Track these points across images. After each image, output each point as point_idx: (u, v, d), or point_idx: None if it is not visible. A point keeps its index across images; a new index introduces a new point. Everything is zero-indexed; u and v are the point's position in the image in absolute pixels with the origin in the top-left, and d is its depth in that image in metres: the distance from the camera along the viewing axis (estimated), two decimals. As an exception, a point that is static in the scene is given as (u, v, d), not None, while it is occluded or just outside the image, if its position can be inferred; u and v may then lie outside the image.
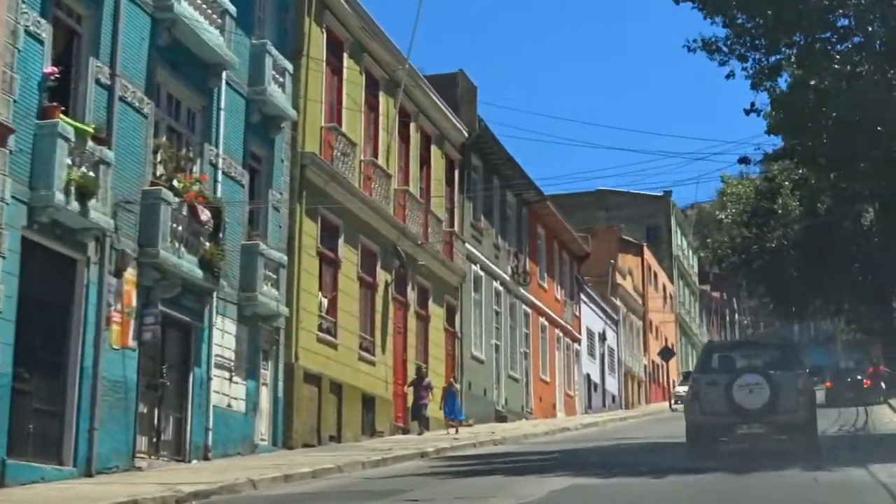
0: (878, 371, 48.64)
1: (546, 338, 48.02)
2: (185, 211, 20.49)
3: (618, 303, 62.99)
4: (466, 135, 38.43)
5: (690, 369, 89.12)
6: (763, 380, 18.39)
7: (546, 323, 48.03)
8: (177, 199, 20.16)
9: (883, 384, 47.74)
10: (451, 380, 32.06)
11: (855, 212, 54.13)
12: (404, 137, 33.80)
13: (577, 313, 54.26)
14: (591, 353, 56.73)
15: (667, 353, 58.25)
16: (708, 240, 54.71)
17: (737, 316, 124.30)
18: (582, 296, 55.17)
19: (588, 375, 55.32)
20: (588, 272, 60.09)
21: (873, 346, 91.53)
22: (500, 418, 39.86)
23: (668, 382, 75.51)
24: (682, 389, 70.39)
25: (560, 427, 34.85)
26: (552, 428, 34.36)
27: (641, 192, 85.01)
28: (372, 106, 31.35)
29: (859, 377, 49.43)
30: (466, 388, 37.20)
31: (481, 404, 38.71)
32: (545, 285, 48.46)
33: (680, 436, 25.66)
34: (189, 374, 21.24)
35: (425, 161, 35.56)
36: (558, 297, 50.72)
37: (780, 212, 51.78)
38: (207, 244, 21.17)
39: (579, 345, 54.01)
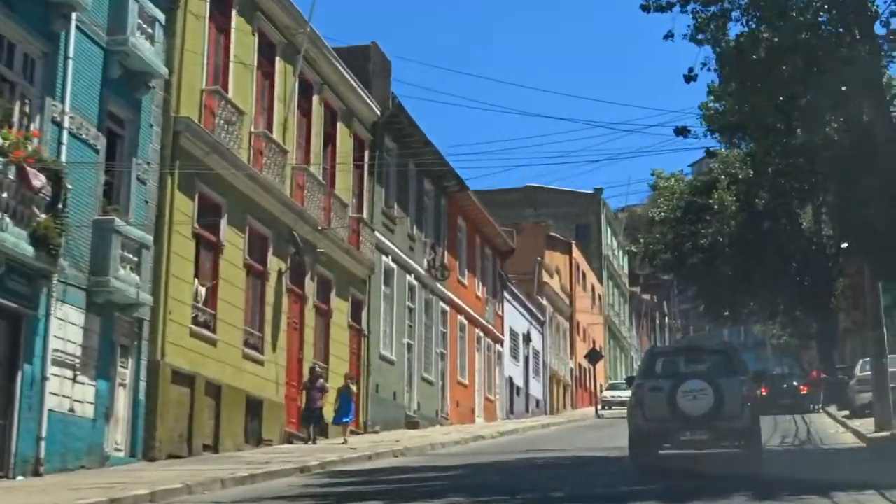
0: (819, 377, 45.90)
1: (465, 338, 44.78)
2: (11, 174, 16.88)
3: (544, 302, 59.96)
4: (378, 113, 35.05)
5: (619, 374, 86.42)
6: (707, 386, 17.95)
7: (465, 321, 44.79)
8: (-1, 159, 16.59)
9: (821, 392, 45.07)
10: (347, 380, 28.37)
11: (793, 209, 51.64)
12: (305, 111, 30.33)
13: (500, 312, 51.10)
14: (515, 355, 53.62)
15: (594, 356, 55.30)
16: (639, 236, 51.71)
17: (667, 319, 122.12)
18: (505, 294, 52.02)
19: (510, 379, 52.19)
20: (513, 269, 57.00)
21: (804, 352, 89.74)
22: (411, 424, 36.53)
23: (594, 387, 72.74)
24: (609, 395, 67.63)
25: (474, 435, 31.55)
26: (466, 436, 31.06)
27: (571, 189, 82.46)
28: (266, 72, 27.81)
29: (795, 383, 46.71)
30: (373, 391, 33.82)
31: (390, 409, 35.35)
32: (465, 281, 45.21)
33: (606, 447, 22.62)
34: (17, 372, 17.61)
35: (330, 139, 32.11)
36: (479, 294, 47.49)
37: (715, 207, 48.94)
38: (42, 216, 17.58)
39: (501, 346, 50.86)
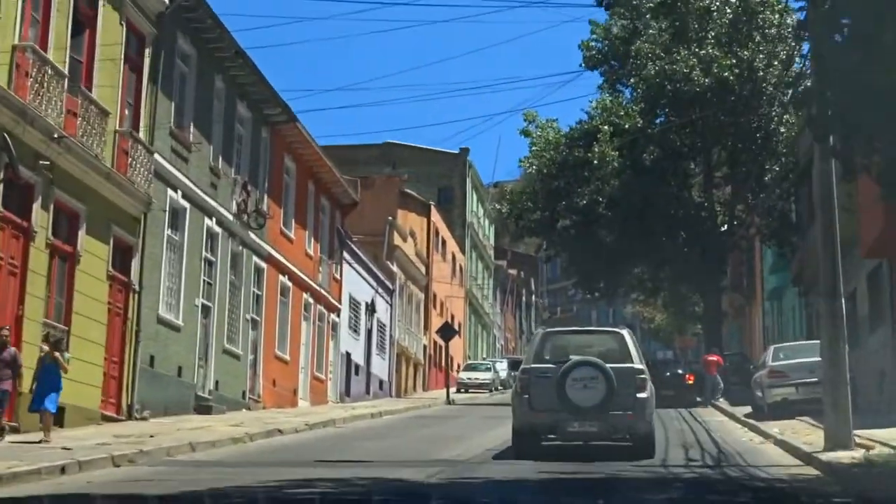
0: (719, 365, 38.80)
1: (289, 303, 36.70)
2: None
3: (394, 269, 52.14)
4: (167, 1, 26.69)
5: (479, 353, 79.23)
6: (599, 373, 16.77)
7: (290, 284, 36.70)
8: None
9: (720, 381, 38.12)
10: (50, 344, 19.19)
11: (685, 169, 44.74)
12: (45, -25, 21.85)
13: (338, 276, 43.10)
14: (355, 328, 45.70)
15: (447, 332, 47.58)
16: (505, 187, 43.74)
17: (534, 298, 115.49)
18: (346, 255, 44.03)
19: (348, 355, 44.26)
20: (359, 229, 49.11)
21: (679, 338, 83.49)
22: (203, 409, 28.42)
23: (448, 367, 65.41)
24: (465, 376, 60.26)
25: (268, 429, 23.46)
26: (259, 429, 23.03)
27: (435, 148, 74.87)
28: None
29: (680, 371, 39.76)
30: (145, 365, 25.59)
31: (171, 388, 27.17)
32: (291, 235, 37.08)
33: (434, 460, 16.62)
34: None
35: (88, 22, 23.61)
36: (311, 252, 39.40)
37: (595, 162, 41.67)
38: None
39: (338, 316, 42.88)
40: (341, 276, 43.37)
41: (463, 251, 72.76)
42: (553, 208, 44.19)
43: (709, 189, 43.94)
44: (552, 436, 17.51)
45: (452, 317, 68.25)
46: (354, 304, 45.51)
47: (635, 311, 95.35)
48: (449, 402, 44.43)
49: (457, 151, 74.78)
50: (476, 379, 58.92)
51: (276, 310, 35.39)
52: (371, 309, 47.79)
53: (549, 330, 19.63)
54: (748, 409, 30.47)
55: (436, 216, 62.76)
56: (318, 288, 39.83)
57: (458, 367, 66.29)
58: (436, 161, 74.35)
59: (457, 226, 73.34)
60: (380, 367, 49.76)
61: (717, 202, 44.79)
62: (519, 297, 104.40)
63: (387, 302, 51.02)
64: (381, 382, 49.98)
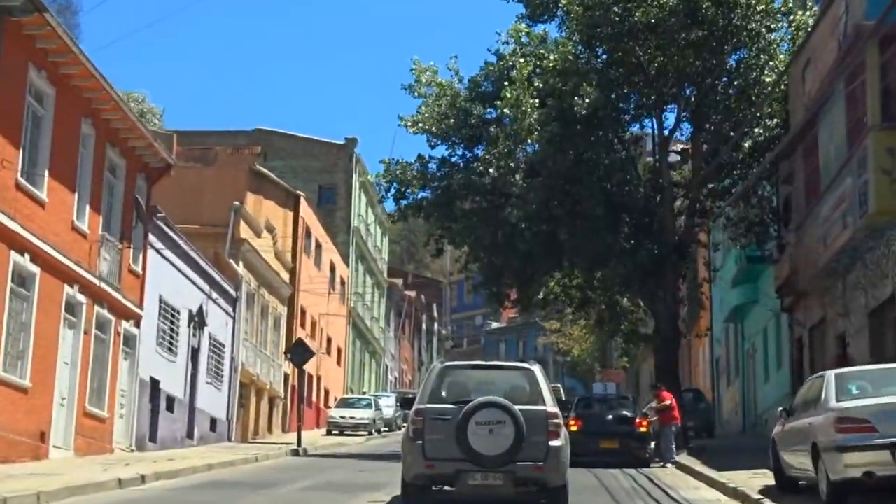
0: (671, 405, 26.53)
1: (33, 299, 23.63)
2: None
3: (239, 269, 39.23)
4: None
5: (366, 385, 66.12)
6: (507, 416, 14.46)
7: (35, 268, 23.63)
8: None
9: (671, 433, 25.86)
10: None
11: (628, 129, 32.76)
12: None
13: (139, 268, 30.05)
14: (170, 345, 32.65)
15: (300, 353, 34.28)
16: (383, 160, 31.15)
17: (436, 326, 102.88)
18: (152, 238, 30.98)
19: (154, 382, 31.18)
20: (193, 216, 36.56)
21: (607, 373, 70.83)
22: None
23: (319, 401, 52.51)
24: (338, 414, 47.37)
25: None
26: None
27: (315, 137, 62.31)
28: None
29: (627, 414, 27.18)
30: None
31: None
32: (42, 194, 24.01)
33: None
34: None
35: None
36: (83, 227, 26.31)
37: (507, 113, 29.36)
38: None
39: (136, 325, 29.77)
40: (144, 268, 30.33)
41: (346, 262, 59.95)
42: (447, 184, 31.81)
43: (664, 160, 31.79)
44: (449, 489, 15.12)
45: (329, 340, 55.39)
46: (169, 312, 32.47)
47: (549, 341, 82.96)
48: (298, 451, 31.71)
49: (342, 142, 62.14)
50: (351, 418, 46.13)
51: (4, 306, 22.31)
52: (199, 321, 34.80)
53: (448, 364, 16.68)
54: (744, 474, 18.47)
55: (307, 210, 49.93)
56: (96, 282, 26.74)
57: (334, 400, 53.43)
58: (317, 153, 61.73)
59: (340, 231, 60.62)
60: (212, 400, 36.71)
61: (677, 182, 32.71)
62: (418, 324, 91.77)
63: (227, 313, 38.05)
64: (213, 422, 36.91)
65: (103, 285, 27.18)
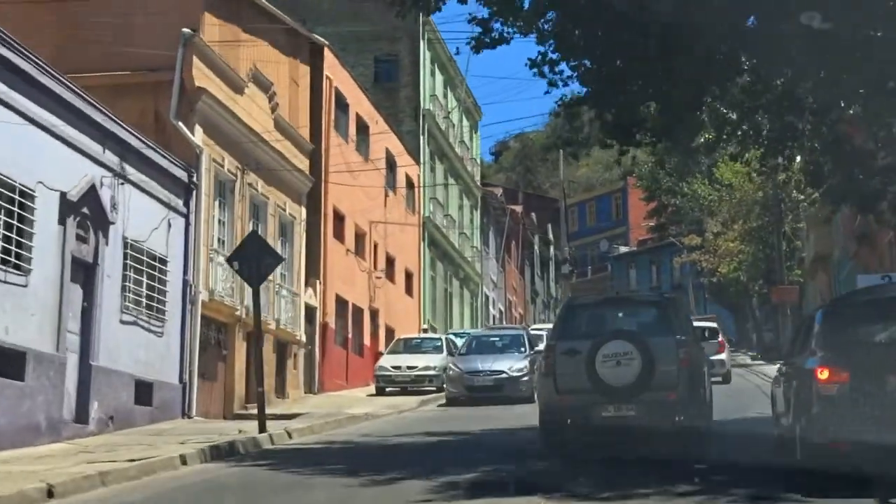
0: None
1: None
2: None
3: (195, 139, 23.92)
4: None
5: (451, 322, 49.74)
6: (633, 347, 14.73)
7: None
8: None
9: None
10: None
11: None
12: None
13: None
14: (2, 254, 17.47)
15: (250, 258, 18.51)
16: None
17: (552, 250, 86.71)
18: None
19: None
20: (120, 57, 21.51)
21: (779, 290, 52.12)
22: None
23: (362, 349, 37.16)
24: (390, 363, 31.30)
25: None
26: None
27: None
28: None
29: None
30: None
31: None
32: None
33: None
34: None
35: None
36: None
37: None
38: None
39: None
40: None
41: (418, 158, 44.30)
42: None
43: None
44: (584, 423, 15.28)
45: (391, 260, 40.04)
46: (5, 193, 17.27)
47: (689, 259, 65.87)
48: (239, 446, 16.48)
49: None
50: (411, 369, 30.74)
51: None
52: (92, 214, 19.57)
53: (577, 299, 18.08)
54: None
55: (337, 70, 34.31)
56: None
57: (381, 349, 37.89)
58: (372, 16, 45.90)
59: (405, 116, 45.01)
60: (143, 353, 21.54)
61: None
62: (529, 247, 75.87)
63: (171, 208, 22.80)
64: (146, 389, 21.68)
65: None
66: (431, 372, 30.82)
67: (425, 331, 38.63)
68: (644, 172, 64.59)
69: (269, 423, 19.66)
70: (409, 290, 42.49)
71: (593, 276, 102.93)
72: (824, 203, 24.39)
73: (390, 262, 39.81)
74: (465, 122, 54.87)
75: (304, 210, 30.94)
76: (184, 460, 14.44)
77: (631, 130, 16.78)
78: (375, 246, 37.89)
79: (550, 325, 56.51)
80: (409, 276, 42.48)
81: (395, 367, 30.66)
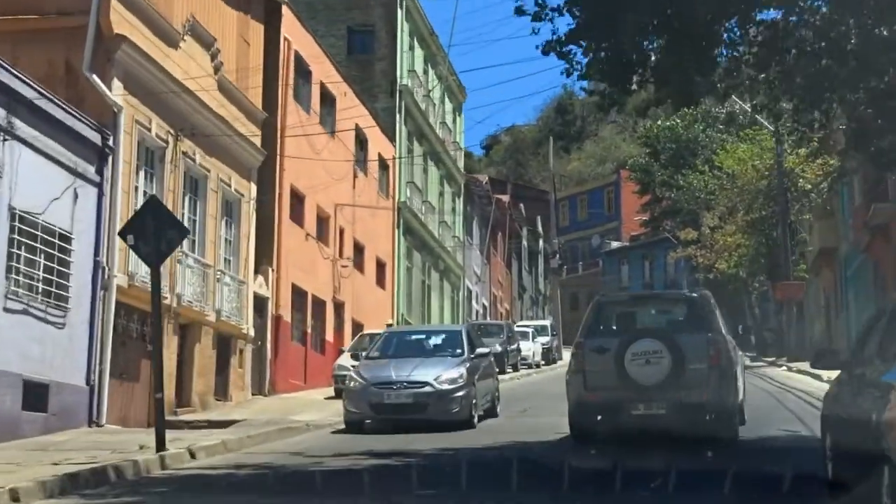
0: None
1: None
2: None
3: (112, 95, 20.15)
4: None
5: (427, 317, 45.10)
6: (662, 346, 14.72)
7: None
8: None
9: None
10: None
11: None
12: None
13: None
14: None
15: (145, 232, 14.83)
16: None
17: (542, 244, 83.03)
18: None
19: None
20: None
21: (782, 286, 47.73)
22: None
23: (323, 346, 33.35)
24: (349, 363, 28.30)
25: None
26: None
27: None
28: None
29: None
30: None
31: None
32: None
33: None
34: None
35: None
36: None
37: None
38: None
39: None
40: None
41: (392, 135, 40.54)
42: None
43: None
44: (614, 420, 15.33)
45: (359, 247, 36.32)
46: None
47: (685, 254, 62.13)
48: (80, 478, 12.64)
49: (377, -40, 42.50)
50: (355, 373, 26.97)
51: None
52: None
53: (607, 297, 17.69)
54: None
55: (296, 29, 30.51)
56: None
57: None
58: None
59: (380, 91, 41.24)
60: (34, 348, 17.80)
61: None
62: (516, 239, 72.19)
63: (79, 175, 19.05)
64: (40, 392, 17.89)
65: None
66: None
67: (389, 325, 34.88)
68: (637, 164, 61.87)
69: (185, 435, 15.95)
70: (380, 282, 38.72)
71: (584, 272, 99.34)
72: (869, 169, 20.80)
73: (359, 249, 36.10)
74: (449, 104, 51.09)
75: (253, 187, 27.17)
76: (15, 496, 10.62)
77: (629, 69, 13.14)
78: (341, 231, 34.15)
79: (538, 322, 52.77)
80: (381, 265, 38.72)
81: (353, 367, 26.89)
